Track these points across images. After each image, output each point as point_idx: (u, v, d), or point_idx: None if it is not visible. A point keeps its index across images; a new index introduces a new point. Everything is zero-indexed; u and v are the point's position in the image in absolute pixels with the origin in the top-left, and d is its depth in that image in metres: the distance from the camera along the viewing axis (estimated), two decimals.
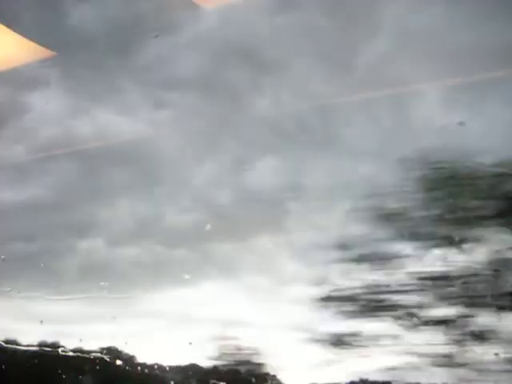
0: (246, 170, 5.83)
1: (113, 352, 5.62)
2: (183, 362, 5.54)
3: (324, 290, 5.24)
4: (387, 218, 5.17)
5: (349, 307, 5.16)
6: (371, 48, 5.38)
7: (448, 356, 4.73)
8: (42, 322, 5.92)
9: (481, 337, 4.72)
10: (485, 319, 4.75)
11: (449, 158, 5.09)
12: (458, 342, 4.77)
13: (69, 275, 6.19)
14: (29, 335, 5.99)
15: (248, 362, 5.47)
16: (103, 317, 5.71)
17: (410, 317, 4.93)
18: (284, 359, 5.27)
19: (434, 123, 5.18)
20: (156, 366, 5.49)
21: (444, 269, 4.94)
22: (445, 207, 5.07)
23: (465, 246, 4.92)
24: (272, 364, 5.36)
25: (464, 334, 4.77)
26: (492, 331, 4.67)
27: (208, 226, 5.55)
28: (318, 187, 5.48)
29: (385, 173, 5.28)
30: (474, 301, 4.80)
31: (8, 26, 6.01)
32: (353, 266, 5.22)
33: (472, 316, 4.77)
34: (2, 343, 5.81)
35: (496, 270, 4.75)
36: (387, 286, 5.10)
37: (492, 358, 4.56)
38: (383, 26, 5.37)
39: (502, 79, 5.00)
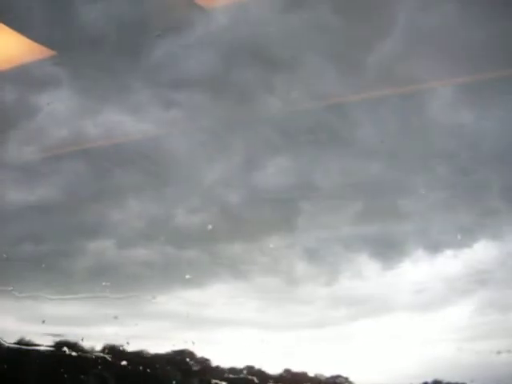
0: (256, 169, 5.87)
1: (117, 352, 5.66)
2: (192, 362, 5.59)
3: (336, 290, 5.27)
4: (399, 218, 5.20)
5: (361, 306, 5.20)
6: (383, 46, 5.41)
7: None
8: (43, 321, 5.99)
9: None
10: None
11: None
12: None
13: (77, 276, 6.24)
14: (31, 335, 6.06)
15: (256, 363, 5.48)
16: (112, 317, 5.76)
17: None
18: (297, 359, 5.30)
19: (446, 122, 5.21)
20: (165, 366, 5.54)
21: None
22: None
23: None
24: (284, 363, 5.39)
25: None
26: None
27: (210, 226, 5.60)
28: (330, 187, 5.52)
29: (396, 172, 5.31)
30: None
31: (16, 26, 6.08)
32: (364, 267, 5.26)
33: None
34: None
35: None
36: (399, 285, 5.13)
37: None
38: (395, 24, 5.39)
39: None
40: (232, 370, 5.41)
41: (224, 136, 6.02)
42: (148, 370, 5.55)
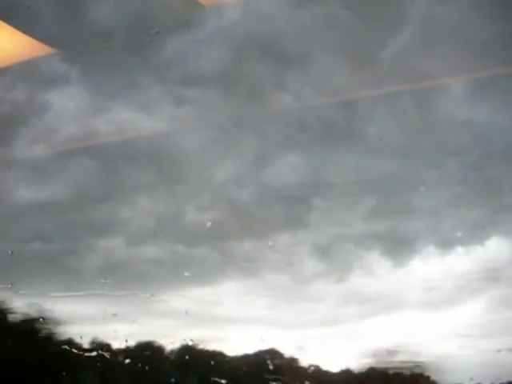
0: (267, 166, 5.92)
1: (130, 351, 5.75)
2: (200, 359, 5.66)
3: (346, 288, 5.32)
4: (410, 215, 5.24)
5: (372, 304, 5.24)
6: (395, 42, 5.45)
7: None
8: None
9: None
10: None
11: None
12: None
13: (86, 274, 6.31)
14: None
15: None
16: (122, 316, 5.83)
17: None
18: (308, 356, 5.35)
19: (458, 118, 5.24)
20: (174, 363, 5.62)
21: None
22: None
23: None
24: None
25: None
26: None
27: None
28: (341, 184, 5.56)
29: (408, 169, 5.35)
30: None
31: (25, 24, 6.15)
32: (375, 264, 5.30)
33: None
34: None
35: None
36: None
37: None
38: (408, 19, 5.42)
39: None
40: (240, 367, 5.48)
41: (235, 133, 6.07)
42: (151, 367, 5.64)
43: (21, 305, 6.34)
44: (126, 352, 5.79)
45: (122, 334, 5.76)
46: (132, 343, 5.87)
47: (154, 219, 6.32)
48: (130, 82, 6.36)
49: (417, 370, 4.95)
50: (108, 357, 5.74)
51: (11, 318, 6.43)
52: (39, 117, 6.67)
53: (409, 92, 5.44)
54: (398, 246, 5.42)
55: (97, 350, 5.80)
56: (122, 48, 6.09)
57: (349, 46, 5.60)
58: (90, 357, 5.78)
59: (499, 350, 4.45)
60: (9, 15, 5.95)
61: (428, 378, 4.91)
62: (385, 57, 5.48)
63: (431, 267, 5.15)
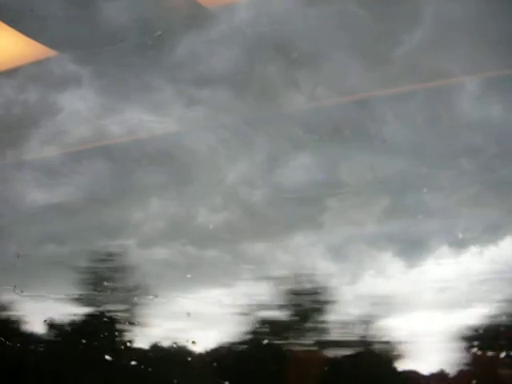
0: (279, 167, 5.96)
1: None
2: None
3: (359, 289, 5.35)
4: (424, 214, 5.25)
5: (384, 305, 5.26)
6: (409, 40, 5.46)
7: None
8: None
9: None
10: None
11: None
12: None
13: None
14: None
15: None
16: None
17: None
18: None
19: (473, 117, 5.26)
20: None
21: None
22: None
23: None
24: None
25: None
26: None
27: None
28: (354, 184, 5.59)
29: (422, 168, 5.36)
30: None
31: (36, 24, 6.23)
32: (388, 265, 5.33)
33: None
34: None
35: None
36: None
37: None
38: (422, 16, 5.43)
39: None
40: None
41: (247, 133, 6.11)
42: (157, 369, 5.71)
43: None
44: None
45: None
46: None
47: (166, 221, 6.38)
48: (140, 83, 6.43)
49: None
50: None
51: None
52: (51, 119, 6.75)
53: (422, 91, 5.46)
54: (411, 247, 5.45)
55: None
56: (133, 48, 6.16)
57: (361, 45, 5.62)
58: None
59: None
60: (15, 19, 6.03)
61: None
62: (397, 55, 5.50)
63: (444, 268, 5.17)
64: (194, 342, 5.63)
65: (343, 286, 5.48)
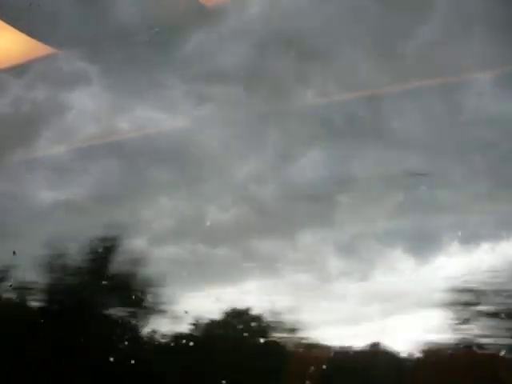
0: (290, 163, 5.97)
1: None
2: None
3: (369, 286, 5.37)
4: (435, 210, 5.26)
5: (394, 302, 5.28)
6: (420, 35, 5.48)
7: None
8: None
9: None
10: None
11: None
12: None
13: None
14: None
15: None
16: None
17: None
18: None
19: (485, 112, 5.25)
20: None
21: None
22: None
23: None
24: None
25: None
26: None
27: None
28: (365, 180, 5.59)
29: (434, 164, 5.36)
30: None
31: (47, 23, 6.26)
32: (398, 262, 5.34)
33: None
34: None
35: None
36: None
37: None
38: (434, 11, 5.44)
39: None
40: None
41: (258, 129, 6.11)
42: None
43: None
44: None
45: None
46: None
47: (176, 219, 6.40)
48: (151, 81, 6.45)
49: None
50: None
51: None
52: (60, 117, 6.78)
53: (434, 86, 5.46)
54: (422, 243, 5.45)
55: None
56: (143, 46, 6.17)
57: (373, 40, 5.63)
58: None
59: None
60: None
61: None
62: (409, 51, 5.51)
63: (455, 264, 5.18)
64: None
65: (353, 282, 5.50)
